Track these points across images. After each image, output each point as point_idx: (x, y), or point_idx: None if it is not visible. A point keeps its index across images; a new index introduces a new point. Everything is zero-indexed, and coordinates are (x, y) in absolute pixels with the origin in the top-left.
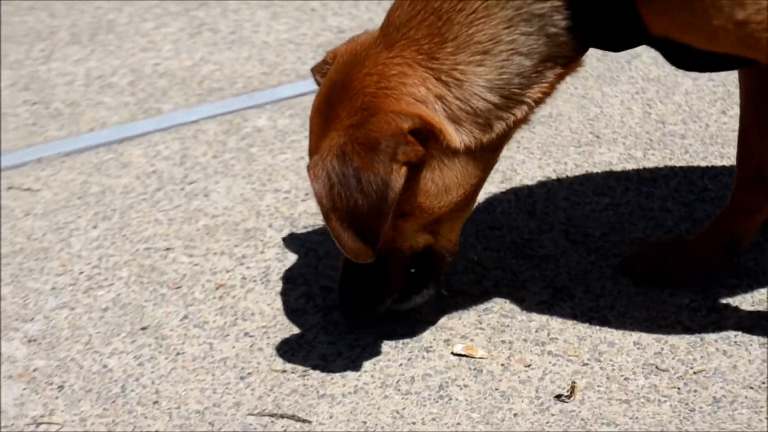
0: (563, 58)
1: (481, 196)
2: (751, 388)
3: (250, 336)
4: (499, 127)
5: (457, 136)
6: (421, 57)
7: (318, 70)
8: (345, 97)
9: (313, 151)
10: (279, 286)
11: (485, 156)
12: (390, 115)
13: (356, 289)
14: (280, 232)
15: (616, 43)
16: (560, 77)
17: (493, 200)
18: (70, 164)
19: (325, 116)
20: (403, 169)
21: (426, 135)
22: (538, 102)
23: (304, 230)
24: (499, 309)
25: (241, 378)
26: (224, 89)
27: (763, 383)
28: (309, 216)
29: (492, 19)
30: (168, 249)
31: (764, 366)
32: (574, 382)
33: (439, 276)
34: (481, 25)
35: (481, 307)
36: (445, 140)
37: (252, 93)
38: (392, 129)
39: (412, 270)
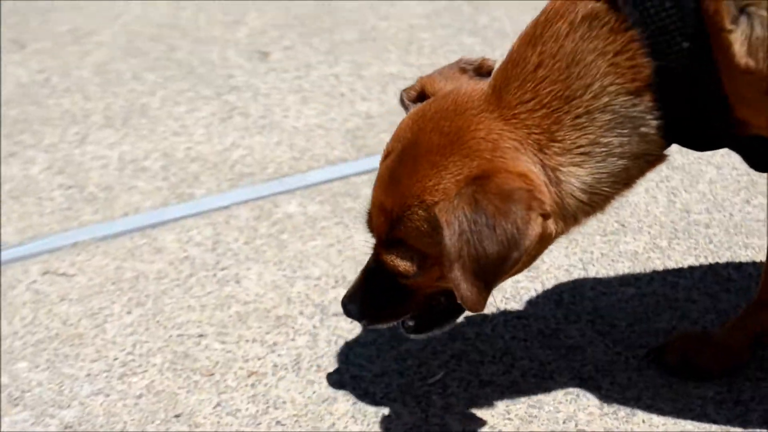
0: (651, 156)
1: (510, 285)
2: None
3: (282, 425)
4: (581, 219)
5: (551, 225)
6: (531, 144)
7: (409, 96)
8: (455, 151)
9: (403, 188)
10: (310, 374)
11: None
12: (514, 174)
13: (370, 297)
14: (311, 319)
15: (701, 143)
16: (644, 173)
17: (521, 289)
18: (105, 249)
19: (422, 160)
20: (540, 219)
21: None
22: (620, 196)
23: (334, 317)
24: (527, 399)
25: None
26: (255, 174)
27: None
28: (339, 303)
29: (594, 123)
30: (201, 336)
31: None
32: None
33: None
34: (584, 129)
35: (509, 397)
36: (544, 209)
37: (282, 178)
38: (521, 184)
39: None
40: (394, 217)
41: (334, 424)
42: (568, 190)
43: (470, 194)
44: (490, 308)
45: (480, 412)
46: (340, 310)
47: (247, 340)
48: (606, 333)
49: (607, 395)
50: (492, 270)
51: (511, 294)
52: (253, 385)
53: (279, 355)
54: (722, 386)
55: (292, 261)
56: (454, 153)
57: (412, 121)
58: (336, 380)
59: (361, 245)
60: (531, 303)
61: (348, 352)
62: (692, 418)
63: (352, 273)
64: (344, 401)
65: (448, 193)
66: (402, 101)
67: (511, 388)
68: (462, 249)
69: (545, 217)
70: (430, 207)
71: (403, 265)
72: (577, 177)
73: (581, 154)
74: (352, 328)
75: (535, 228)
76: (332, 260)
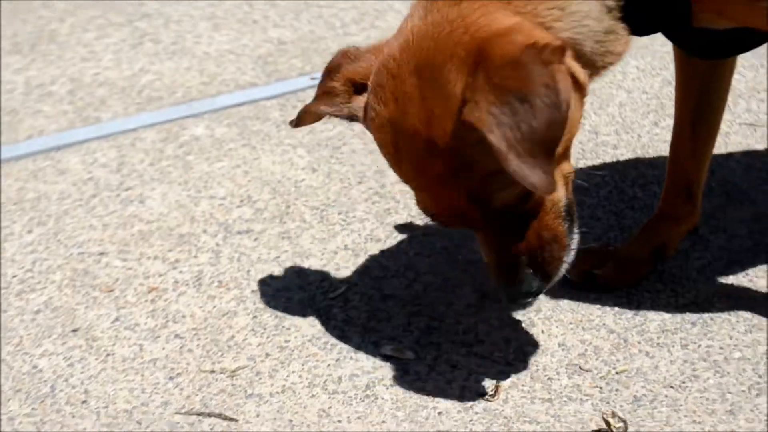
0: (617, 34)
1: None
2: (671, 387)
3: (181, 338)
4: (592, 60)
5: (572, 65)
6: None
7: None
8: (438, 62)
9: (439, 135)
10: (211, 290)
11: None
12: (503, 34)
13: (520, 268)
14: (214, 237)
15: (654, 25)
16: (619, 52)
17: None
18: (7, 171)
19: (426, 99)
20: (563, 67)
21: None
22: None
23: (238, 235)
24: (429, 312)
25: (170, 378)
26: (163, 98)
27: (683, 383)
28: (243, 222)
29: None
30: (102, 254)
31: (685, 366)
32: (498, 382)
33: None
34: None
35: (411, 310)
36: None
37: (190, 102)
38: (519, 43)
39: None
40: (463, 165)
41: (233, 336)
42: (559, 33)
43: (483, 82)
44: (392, 229)
45: (381, 325)
46: (244, 228)
47: (148, 258)
48: None
49: (507, 307)
50: (548, 140)
51: (417, 212)
52: (152, 301)
53: (180, 272)
54: (621, 297)
55: (198, 181)
56: (440, 68)
57: (388, 83)
58: (237, 295)
59: (268, 166)
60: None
61: (250, 269)
62: (591, 329)
63: (257, 193)
64: (244, 315)
65: (467, 95)
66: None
67: (413, 301)
68: (509, 138)
69: (561, 61)
70: (464, 125)
71: (512, 191)
72: (559, 29)
73: (556, 18)
74: (255, 246)
75: (564, 79)
76: (238, 180)
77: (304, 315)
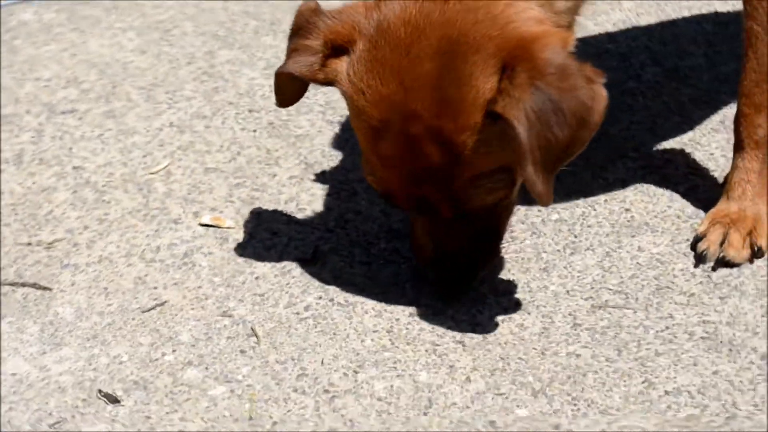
0: None
1: (245, 81)
2: None
3: None
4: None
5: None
6: None
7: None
8: (461, 53)
9: (446, 125)
10: (31, 167)
11: None
12: (543, 39)
13: (457, 259)
14: (37, 117)
15: None
16: None
17: (255, 86)
18: None
19: (440, 88)
20: (603, 90)
21: None
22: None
23: (61, 115)
24: (251, 183)
25: None
26: None
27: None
28: (68, 102)
29: None
30: None
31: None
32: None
33: None
34: None
35: (233, 182)
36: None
37: None
38: (562, 51)
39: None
40: (453, 162)
41: (51, 211)
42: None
43: (526, 81)
44: (219, 106)
45: (202, 197)
46: (69, 108)
47: None
48: (336, 122)
49: (331, 177)
50: (560, 157)
51: (245, 90)
52: None
53: (1, 151)
54: None
55: (23, 65)
56: (463, 57)
57: (390, 59)
58: (57, 172)
59: (96, 49)
60: (263, 97)
61: (72, 146)
62: None
63: (84, 74)
64: (64, 190)
65: (495, 92)
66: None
67: (236, 173)
68: (533, 143)
69: (601, 83)
70: (485, 123)
71: (495, 195)
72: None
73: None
74: (78, 125)
75: (601, 101)
76: (65, 63)
77: (125, 189)
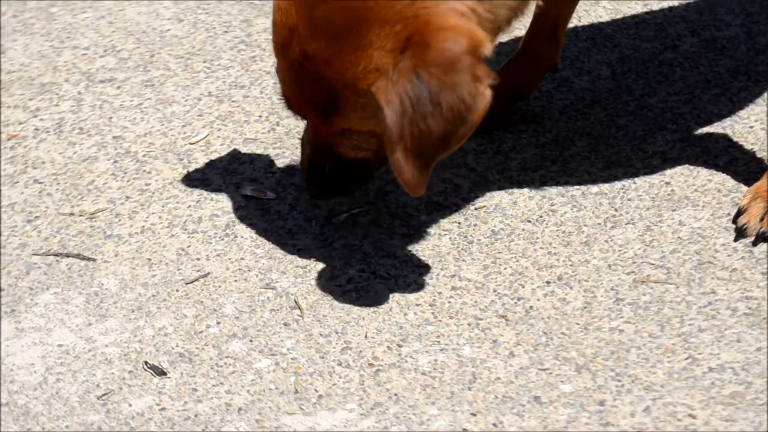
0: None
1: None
2: (529, 221)
3: (40, 183)
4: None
5: (490, 46)
6: None
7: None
8: (372, 19)
9: (329, 79)
10: (72, 137)
11: None
12: (449, 32)
13: (327, 175)
14: (76, 86)
15: None
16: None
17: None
18: None
19: (341, 43)
20: (488, 91)
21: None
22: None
23: (100, 84)
24: (291, 155)
25: (28, 221)
26: None
27: (541, 217)
28: (106, 71)
29: None
30: None
31: (543, 201)
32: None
33: None
34: None
35: (273, 153)
36: (483, 54)
37: None
38: (461, 44)
39: None
40: (330, 108)
41: (93, 181)
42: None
43: (409, 67)
44: (257, 76)
45: (242, 167)
46: (107, 76)
47: (8, 107)
48: None
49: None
50: (435, 149)
51: None
52: (12, 148)
53: (41, 120)
54: (483, 138)
55: (61, 32)
56: (369, 23)
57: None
58: (98, 141)
59: (133, 16)
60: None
61: (112, 115)
62: (452, 167)
63: (121, 43)
64: (105, 160)
65: (384, 69)
66: None
67: (275, 144)
68: (404, 129)
69: (492, 86)
70: (367, 91)
71: (361, 152)
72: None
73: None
74: (117, 94)
75: (483, 101)
76: (102, 31)
77: (165, 160)
